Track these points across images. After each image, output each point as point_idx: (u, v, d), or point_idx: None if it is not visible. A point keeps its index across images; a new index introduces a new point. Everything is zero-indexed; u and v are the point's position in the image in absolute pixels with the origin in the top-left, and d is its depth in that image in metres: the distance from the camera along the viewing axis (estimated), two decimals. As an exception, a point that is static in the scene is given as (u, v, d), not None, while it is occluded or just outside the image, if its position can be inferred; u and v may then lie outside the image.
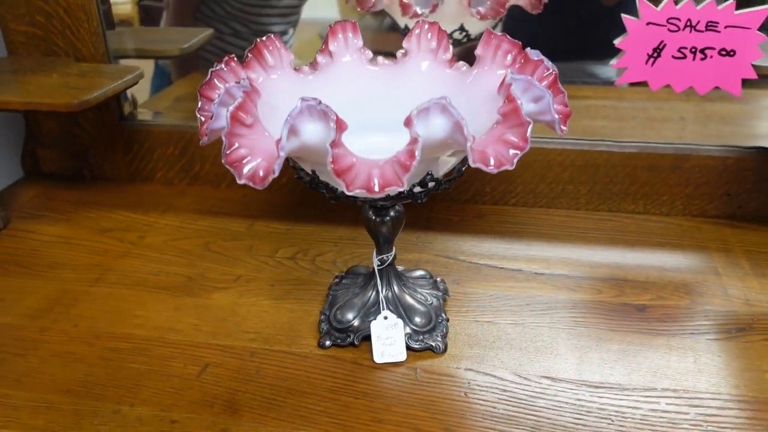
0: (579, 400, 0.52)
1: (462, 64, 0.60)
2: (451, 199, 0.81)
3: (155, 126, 0.85)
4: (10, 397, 0.53)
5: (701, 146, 0.75)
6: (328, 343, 0.58)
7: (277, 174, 0.42)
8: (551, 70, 0.50)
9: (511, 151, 0.43)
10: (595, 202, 0.79)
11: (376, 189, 0.41)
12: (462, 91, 0.57)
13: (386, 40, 0.95)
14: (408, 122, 0.42)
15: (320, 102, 0.42)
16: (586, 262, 0.69)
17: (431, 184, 0.49)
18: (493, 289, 0.65)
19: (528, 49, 0.52)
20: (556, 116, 0.46)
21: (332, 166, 0.41)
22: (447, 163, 0.51)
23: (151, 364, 0.57)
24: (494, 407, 0.52)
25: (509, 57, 0.54)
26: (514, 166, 0.43)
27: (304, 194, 0.82)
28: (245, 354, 0.57)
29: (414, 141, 0.41)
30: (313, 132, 0.42)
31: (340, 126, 0.42)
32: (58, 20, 0.80)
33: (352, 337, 0.57)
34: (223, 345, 0.59)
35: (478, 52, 0.57)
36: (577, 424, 0.50)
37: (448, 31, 0.88)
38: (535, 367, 0.55)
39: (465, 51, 0.98)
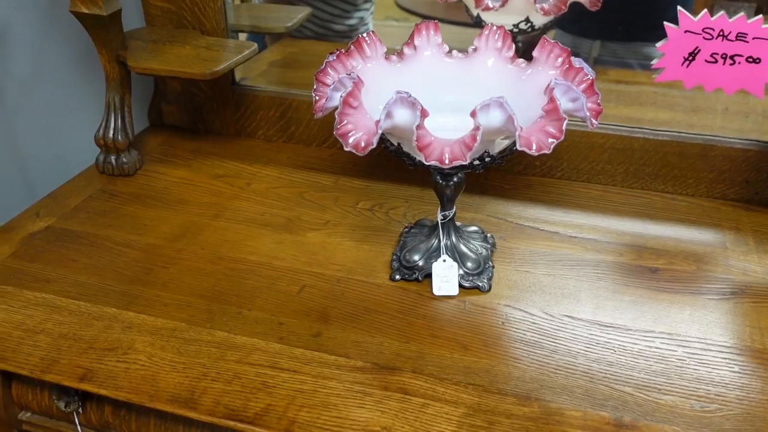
0: (591, 334, 0.67)
1: (522, 62, 0.74)
2: (505, 170, 0.95)
3: (261, 91, 1.01)
4: (161, 297, 0.72)
5: (726, 138, 0.87)
6: (398, 277, 0.74)
7: (374, 145, 0.58)
8: (589, 76, 0.63)
9: (550, 140, 0.58)
10: (630, 181, 0.91)
11: (447, 162, 0.56)
12: (519, 85, 0.71)
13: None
14: (473, 114, 0.57)
15: (410, 95, 0.57)
16: (614, 230, 0.83)
17: (488, 159, 0.64)
18: (533, 246, 0.80)
19: (573, 58, 0.65)
20: (588, 114, 0.60)
21: (416, 143, 0.56)
22: (501, 144, 0.65)
23: (262, 281, 0.74)
24: (524, 334, 0.67)
25: (559, 60, 0.68)
26: (551, 151, 0.58)
27: (380, 157, 0.97)
28: (333, 280, 0.74)
29: (476, 128, 0.56)
30: (403, 116, 0.58)
31: (424, 113, 0.57)
32: (189, -1, 0.97)
33: (417, 274, 0.73)
34: (316, 272, 0.75)
35: (534, 53, 0.71)
36: (587, 351, 0.65)
37: (515, 22, 1.01)
38: (559, 308, 0.70)
39: (530, 39, 1.10)
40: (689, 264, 0.77)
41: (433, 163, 0.57)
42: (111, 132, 0.92)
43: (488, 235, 0.80)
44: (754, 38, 0.79)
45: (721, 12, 0.78)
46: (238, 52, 0.91)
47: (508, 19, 1.00)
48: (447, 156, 0.56)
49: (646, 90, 1.06)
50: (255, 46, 0.93)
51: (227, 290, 0.73)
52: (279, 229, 0.83)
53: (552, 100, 0.58)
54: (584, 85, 0.63)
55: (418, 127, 0.56)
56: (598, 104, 0.64)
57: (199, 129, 1.07)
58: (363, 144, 0.59)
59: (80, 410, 0.71)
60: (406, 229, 0.80)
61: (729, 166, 0.87)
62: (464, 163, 0.57)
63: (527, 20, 1.00)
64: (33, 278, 0.74)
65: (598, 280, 0.75)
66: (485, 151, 0.63)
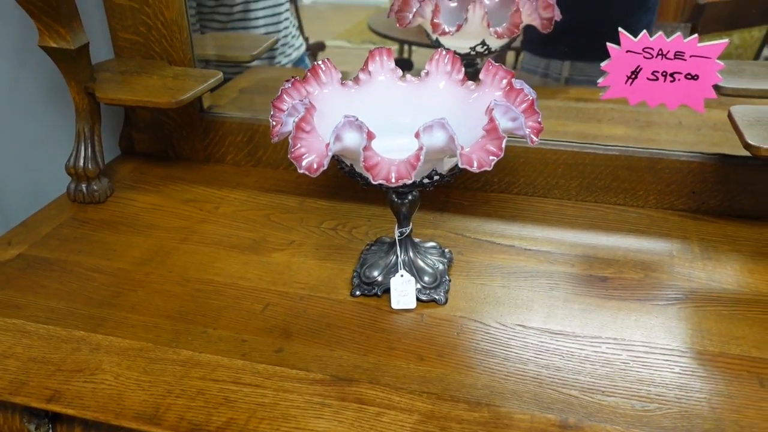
0: (542, 342, 0.70)
1: (471, 84, 0.77)
2: (464, 188, 0.99)
3: (228, 118, 1.05)
4: (129, 319, 0.74)
5: (672, 151, 0.91)
6: (358, 293, 0.77)
7: (326, 167, 0.61)
8: (529, 97, 0.67)
9: (491, 157, 0.61)
10: (584, 194, 0.95)
11: (393, 180, 0.60)
12: (467, 106, 0.75)
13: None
14: (417, 135, 0.60)
15: (357, 118, 0.60)
16: (567, 242, 0.87)
17: (436, 177, 0.67)
18: (489, 259, 0.83)
19: (513, 80, 0.69)
20: (527, 131, 0.64)
21: (363, 163, 0.60)
22: (450, 162, 0.69)
23: (227, 301, 0.77)
24: (478, 344, 0.70)
25: (503, 82, 0.72)
26: (491, 168, 0.61)
27: (345, 179, 1.00)
28: (296, 298, 0.77)
29: (420, 148, 0.59)
30: (352, 139, 0.61)
31: (370, 136, 0.60)
32: (156, 31, 1.00)
33: (376, 289, 0.76)
34: (280, 291, 0.78)
35: (480, 76, 0.74)
36: (537, 357, 0.68)
37: (471, 46, 1.06)
38: (512, 318, 0.73)
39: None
40: (637, 272, 0.81)
41: (380, 182, 0.60)
42: (81, 161, 0.95)
43: (446, 250, 0.83)
44: (691, 56, 0.83)
45: (659, 33, 0.82)
46: (203, 80, 0.94)
47: (465, 42, 1.05)
48: (393, 175, 0.60)
49: (605, 107, 1.11)
50: (220, 74, 0.97)
51: (193, 310, 0.75)
52: (245, 251, 0.86)
53: (491, 120, 0.62)
54: (524, 105, 0.67)
55: (365, 148, 0.60)
56: (539, 123, 0.67)
57: (170, 156, 1.10)
58: (315, 166, 0.62)
59: (51, 432, 0.73)
60: (367, 247, 0.84)
61: (675, 178, 0.91)
62: (410, 181, 0.60)
63: (483, 43, 1.05)
64: (3, 305, 0.76)
65: (550, 290, 0.78)
66: (433, 170, 0.66)
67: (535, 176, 0.96)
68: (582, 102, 1.16)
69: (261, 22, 1.19)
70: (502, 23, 1.00)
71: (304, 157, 0.63)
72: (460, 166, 0.60)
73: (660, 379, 0.65)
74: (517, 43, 1.18)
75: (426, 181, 0.68)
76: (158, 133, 1.09)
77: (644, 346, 0.69)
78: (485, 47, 1.05)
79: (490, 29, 1.00)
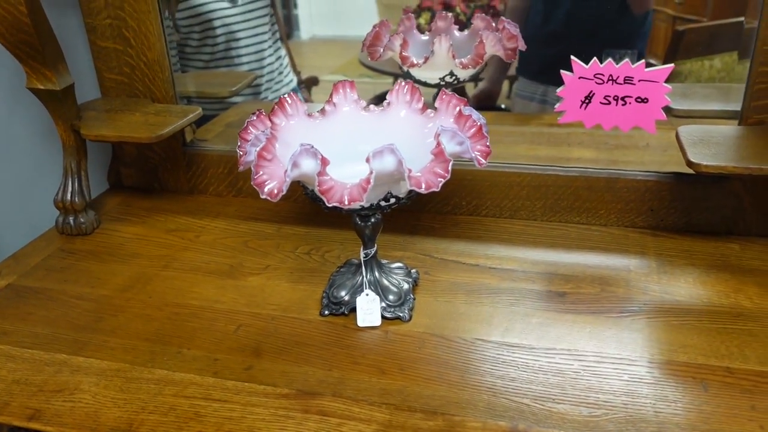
0: (499, 354, 0.74)
1: (430, 112, 0.82)
2: (435, 211, 1.03)
3: (209, 151, 1.10)
4: (108, 342, 0.78)
5: (628, 171, 0.95)
6: (326, 312, 0.81)
7: (284, 191, 0.66)
8: (478, 123, 0.72)
9: (438, 179, 0.66)
10: (548, 215, 0.99)
11: (346, 203, 0.64)
12: (426, 132, 0.79)
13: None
14: (367, 159, 0.65)
15: (312, 146, 0.65)
16: (530, 260, 0.90)
17: (392, 200, 0.72)
18: (454, 278, 0.87)
19: (463, 107, 0.74)
20: (474, 154, 0.68)
21: (318, 187, 0.64)
22: (406, 185, 0.73)
23: (202, 323, 0.81)
24: (438, 357, 0.74)
25: (456, 110, 0.76)
26: (439, 189, 0.66)
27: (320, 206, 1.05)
28: (268, 318, 0.81)
29: (371, 172, 0.64)
30: (309, 165, 0.66)
31: (324, 162, 0.65)
32: (140, 71, 1.06)
33: (343, 308, 0.80)
34: (254, 312, 0.82)
35: (436, 104, 0.79)
36: (493, 369, 0.71)
37: (439, 77, 1.11)
38: (472, 332, 0.77)
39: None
40: (594, 287, 0.84)
41: (334, 204, 0.64)
42: (69, 195, 1.00)
43: (412, 270, 0.87)
44: (639, 80, 0.88)
45: (608, 59, 0.87)
46: (183, 116, 0.99)
47: (434, 73, 1.10)
48: (346, 198, 0.64)
49: (576, 131, 1.15)
50: (199, 110, 1.02)
51: (170, 332, 0.79)
52: (222, 276, 0.90)
53: (438, 144, 0.66)
54: (473, 130, 0.71)
55: (320, 173, 0.64)
56: (487, 146, 0.72)
57: (155, 188, 1.15)
58: (276, 191, 0.66)
59: (35, 452, 0.76)
60: (337, 269, 0.88)
61: (633, 197, 0.95)
62: (362, 203, 0.64)
63: (451, 74, 1.10)
64: (-9, 332, 0.81)
65: (510, 305, 0.82)
66: (388, 192, 0.71)
67: (501, 198, 1.00)
68: (555, 127, 1.21)
69: (244, 59, 1.25)
70: (466, 54, 1.05)
71: (266, 183, 0.67)
72: (408, 187, 0.65)
73: (608, 387, 0.68)
74: (511, 71, 1.24)
75: (383, 203, 0.72)
76: (144, 167, 1.14)
77: (596, 356, 0.73)
78: (453, 77, 1.11)
79: (456, 60, 1.06)
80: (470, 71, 1.10)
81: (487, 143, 0.72)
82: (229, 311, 0.83)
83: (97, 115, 1.02)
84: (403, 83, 0.84)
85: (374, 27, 1.09)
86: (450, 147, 0.68)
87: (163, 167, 1.13)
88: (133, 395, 0.70)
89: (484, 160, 0.70)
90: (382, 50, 1.09)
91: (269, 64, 1.30)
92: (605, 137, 1.14)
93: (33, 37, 0.87)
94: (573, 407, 0.66)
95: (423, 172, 0.66)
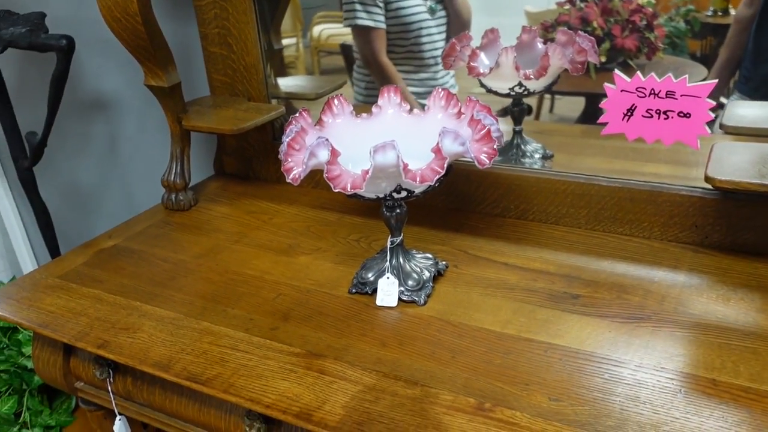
0: (494, 341, 0.79)
1: (465, 116, 0.89)
2: (485, 212, 1.09)
3: (294, 145, 1.24)
4: (173, 296, 0.93)
5: (672, 185, 0.95)
6: (353, 290, 0.91)
7: (302, 177, 0.76)
8: (487, 127, 0.78)
9: (434, 174, 0.73)
10: (592, 223, 1.02)
11: (348, 189, 0.74)
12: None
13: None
14: (370, 153, 0.73)
15: (326, 139, 0.75)
16: (557, 263, 0.94)
17: (403, 193, 0.80)
18: (480, 273, 0.93)
19: (477, 112, 0.80)
20: (473, 155, 0.75)
21: (326, 174, 0.74)
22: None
23: (250, 289, 0.94)
24: (438, 337, 0.80)
25: (475, 114, 0.83)
26: (434, 182, 0.73)
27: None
28: (304, 291, 0.92)
29: (371, 165, 0.73)
30: (322, 155, 0.76)
31: (334, 153, 0.75)
32: (240, 73, 1.22)
33: (367, 288, 0.90)
34: (294, 284, 0.94)
35: (463, 109, 0.86)
36: (483, 354, 0.77)
37: (509, 87, 1.17)
38: (477, 322, 0.83)
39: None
40: (611, 293, 0.86)
41: (338, 190, 0.74)
42: (172, 176, 1.18)
43: (441, 262, 0.94)
44: (681, 95, 0.88)
45: (651, 73, 0.89)
46: (266, 113, 1.14)
47: (503, 84, 1.16)
48: (349, 185, 0.74)
49: (659, 148, 1.15)
50: (282, 108, 1.16)
51: (222, 294, 0.93)
52: (279, 253, 1.03)
53: (438, 143, 0.74)
54: (481, 133, 0.78)
55: (329, 162, 0.74)
56: (494, 149, 0.78)
57: (250, 176, 1.31)
58: (298, 177, 0.78)
59: (111, 379, 0.93)
60: (374, 254, 0.97)
61: (677, 211, 0.95)
62: (361, 190, 0.74)
63: (520, 84, 1.15)
64: (91, 279, 0.99)
65: (521, 302, 0.86)
66: (398, 185, 0.79)
67: (547, 204, 1.04)
68: (640, 142, 1.21)
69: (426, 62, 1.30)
70: (531, 67, 1.10)
71: (292, 169, 0.79)
72: (404, 179, 0.73)
73: (585, 383, 0.72)
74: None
75: (396, 195, 0.81)
76: (241, 157, 1.30)
77: (586, 354, 0.76)
78: (523, 88, 1.15)
79: (520, 72, 1.11)
80: (540, 82, 1.14)
81: (494, 146, 0.78)
82: (275, 282, 0.95)
83: (200, 109, 1.19)
84: (440, 90, 0.92)
85: (452, 40, 1.17)
86: (453, 147, 0.75)
87: (257, 158, 1.29)
88: (178, 339, 0.84)
89: (487, 161, 0.77)
90: (453, 60, 1.17)
91: (441, 71, 1.34)
92: (688, 154, 1.12)
93: (147, 42, 1.05)
94: (544, 395, 0.70)
95: (424, 167, 0.74)
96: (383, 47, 1.22)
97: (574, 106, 1.25)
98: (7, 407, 1.27)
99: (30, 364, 1.33)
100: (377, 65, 1.23)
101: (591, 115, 1.24)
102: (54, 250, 1.54)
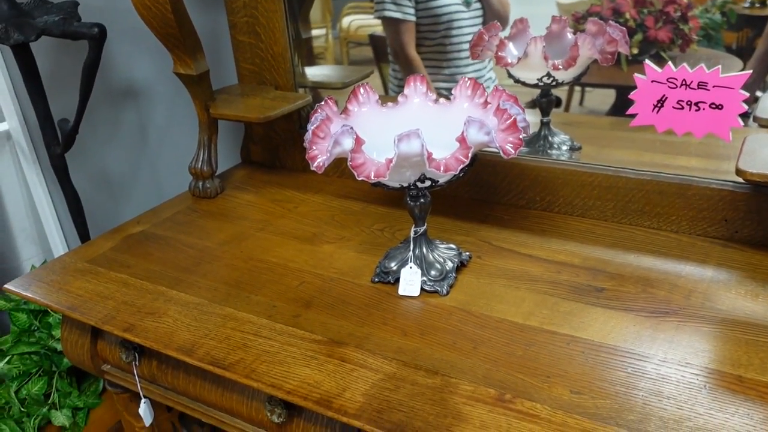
0: (515, 333, 0.78)
1: (491, 106, 0.89)
2: (510, 204, 1.08)
3: (320, 135, 1.24)
4: (198, 282, 0.95)
5: (701, 179, 0.93)
6: (376, 279, 0.91)
7: (326, 165, 0.77)
8: (513, 117, 0.77)
9: (458, 164, 0.73)
10: (619, 216, 1.00)
11: (372, 177, 0.74)
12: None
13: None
14: (395, 141, 0.73)
15: (351, 128, 0.75)
16: (583, 256, 0.93)
17: (427, 182, 0.80)
18: (503, 264, 0.93)
19: (503, 101, 0.79)
20: (498, 145, 0.74)
21: (350, 162, 0.74)
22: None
23: (273, 277, 0.94)
24: (460, 328, 0.80)
25: (502, 103, 0.82)
26: (458, 172, 0.73)
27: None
28: (327, 279, 0.93)
29: (395, 154, 0.73)
30: (347, 143, 0.76)
31: (359, 141, 0.75)
32: (267, 62, 1.23)
33: (390, 278, 0.90)
34: (317, 273, 0.94)
35: (489, 99, 0.86)
36: (505, 345, 0.77)
37: (537, 77, 1.15)
38: (499, 313, 0.82)
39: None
40: (636, 287, 0.85)
41: (362, 178, 0.74)
42: (200, 163, 1.20)
43: (465, 252, 0.93)
44: (714, 86, 0.87)
45: (683, 64, 0.87)
46: (292, 102, 1.14)
47: (531, 74, 1.15)
48: (372, 173, 0.74)
49: (690, 141, 1.13)
50: (309, 97, 1.17)
51: (246, 281, 0.94)
52: (303, 241, 1.03)
53: (462, 133, 0.73)
54: (507, 122, 0.77)
55: (353, 150, 0.74)
56: (519, 139, 0.77)
57: (276, 165, 1.32)
58: (322, 165, 0.78)
59: (136, 362, 0.95)
60: (398, 244, 0.97)
61: (706, 205, 0.93)
62: (385, 179, 0.73)
63: (549, 75, 1.14)
64: (119, 264, 1.01)
65: (545, 293, 0.85)
66: (422, 174, 0.79)
67: (573, 197, 1.03)
68: (670, 135, 1.19)
69: (470, 60, 1.29)
70: (560, 57, 1.08)
71: (317, 157, 0.79)
72: (428, 168, 0.73)
73: (608, 376, 0.71)
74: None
75: (420, 184, 0.80)
76: (268, 146, 1.31)
77: (609, 348, 0.75)
78: (551, 78, 1.14)
79: (549, 62, 1.09)
80: (569, 73, 1.13)
81: (520, 136, 0.77)
82: (298, 270, 0.96)
83: (227, 97, 1.20)
84: (467, 80, 0.91)
85: (480, 29, 1.16)
86: (478, 136, 0.75)
87: (283, 147, 1.29)
88: (202, 324, 0.85)
89: (513, 151, 0.76)
90: (481, 50, 1.16)
91: (473, 65, 1.31)
92: (719, 147, 1.10)
93: (176, 30, 1.06)
94: (565, 388, 0.69)
95: (448, 156, 0.74)
96: (411, 40, 1.22)
97: (605, 98, 1.23)
98: (37, 388, 1.30)
99: (59, 347, 1.35)
100: (404, 58, 1.23)
101: (621, 107, 1.21)
102: (84, 236, 1.56)
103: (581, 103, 1.22)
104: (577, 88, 1.19)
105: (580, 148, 1.16)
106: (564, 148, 1.16)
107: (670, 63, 0.87)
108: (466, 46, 1.23)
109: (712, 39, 1.06)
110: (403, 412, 0.68)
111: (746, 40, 1.03)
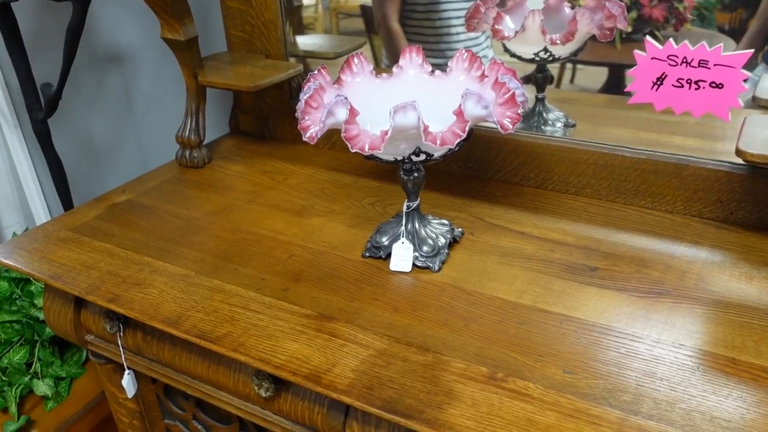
0: (508, 311, 0.77)
1: (486, 79, 0.87)
2: (503, 180, 1.07)
3: (311, 105, 1.21)
4: (185, 253, 0.92)
5: (698, 159, 0.92)
6: (367, 254, 0.89)
7: (319, 136, 0.74)
8: (510, 91, 0.75)
9: (455, 138, 0.71)
10: (613, 195, 0.99)
11: (366, 149, 0.72)
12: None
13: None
14: (391, 113, 0.71)
15: (345, 98, 0.73)
16: (576, 234, 0.92)
17: (422, 156, 0.78)
18: (496, 241, 0.91)
19: (501, 75, 0.78)
20: (496, 119, 0.72)
21: (344, 134, 0.72)
22: (439, 143, 0.78)
23: (262, 249, 0.92)
24: (452, 305, 0.79)
25: (500, 77, 0.80)
26: (455, 146, 0.71)
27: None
28: (317, 252, 0.91)
29: (390, 126, 0.71)
30: (341, 114, 0.74)
31: (353, 112, 0.72)
32: (258, 29, 1.20)
33: (381, 252, 0.88)
34: (306, 246, 0.93)
35: (486, 72, 0.83)
36: (497, 323, 0.76)
37: (533, 52, 1.13)
38: (491, 290, 0.81)
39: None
40: (630, 267, 0.84)
41: (356, 150, 0.72)
42: (187, 132, 1.17)
43: (457, 228, 0.92)
44: (715, 65, 0.85)
45: (684, 41, 0.86)
46: (284, 71, 1.11)
47: (528, 48, 1.12)
48: (366, 146, 0.72)
49: (688, 120, 1.12)
50: (300, 66, 1.14)
51: (234, 253, 0.92)
52: (292, 214, 1.01)
53: (459, 105, 0.71)
54: (505, 96, 0.75)
55: (347, 122, 0.72)
56: (518, 114, 0.75)
57: (266, 135, 1.29)
58: (314, 135, 0.76)
59: (120, 333, 0.93)
60: (389, 219, 0.95)
61: (702, 186, 0.92)
62: (379, 152, 0.72)
63: (545, 50, 1.12)
64: (103, 233, 0.99)
65: (537, 272, 0.84)
66: (417, 147, 0.77)
67: (568, 174, 1.01)
68: (667, 114, 1.18)
69: (461, 36, 1.24)
70: (558, 31, 1.06)
71: (309, 128, 0.77)
72: (424, 141, 0.71)
73: (601, 356, 0.70)
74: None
75: (414, 158, 0.79)
76: (257, 116, 1.28)
77: (602, 328, 0.74)
78: (548, 53, 1.12)
79: (546, 36, 1.07)
80: (566, 48, 1.11)
81: (518, 111, 0.75)
82: (287, 242, 0.94)
83: (216, 65, 1.17)
84: (464, 52, 0.89)
85: (477, 1, 1.13)
86: (475, 110, 0.73)
87: (273, 117, 1.26)
88: (188, 296, 0.83)
89: (510, 127, 0.74)
90: (477, 23, 1.13)
91: (479, 44, 1.27)
92: (714, 127, 1.09)
93: (164, -8, 1.03)
94: (558, 367, 0.69)
95: (444, 130, 0.72)
96: (394, 12, 1.18)
97: (596, 76, 1.21)
98: (19, 357, 1.28)
99: (41, 316, 1.33)
100: (385, 29, 1.20)
101: (614, 85, 1.20)
102: (67, 203, 1.53)
103: (572, 80, 1.20)
104: (569, 66, 1.17)
105: (574, 126, 1.14)
106: (558, 125, 1.14)
107: (671, 40, 0.86)
108: (456, 21, 1.20)
109: (705, 19, 1.04)
110: (394, 389, 0.67)
111: (739, 21, 1.02)
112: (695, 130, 1.07)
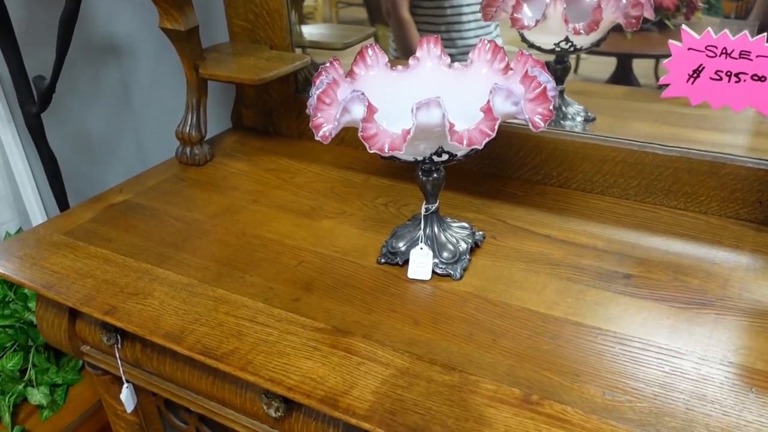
0: (538, 324, 0.72)
1: (511, 72, 0.80)
2: (524, 179, 1.01)
3: (318, 99, 1.15)
4: (187, 259, 0.86)
5: (736, 157, 0.86)
6: (382, 260, 0.83)
7: (333, 135, 0.68)
8: (543, 85, 0.69)
9: (483, 137, 0.65)
10: (642, 195, 0.93)
11: (386, 150, 0.65)
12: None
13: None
14: (413, 110, 0.65)
15: (363, 93, 0.67)
16: (605, 238, 0.86)
17: (444, 156, 0.72)
18: (520, 246, 0.85)
19: (531, 68, 0.71)
20: (527, 116, 0.66)
21: (362, 133, 0.66)
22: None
23: (269, 255, 0.86)
24: (476, 317, 0.73)
25: (530, 70, 0.74)
26: (482, 147, 0.65)
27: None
28: (328, 258, 0.85)
29: (413, 124, 0.64)
30: (357, 111, 0.67)
31: (371, 109, 0.66)
32: (262, 18, 1.13)
33: (398, 259, 0.82)
34: (317, 251, 0.86)
35: (512, 65, 0.77)
36: (527, 338, 0.70)
37: (554, 42, 1.07)
38: (519, 301, 0.75)
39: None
40: (666, 274, 0.78)
41: (375, 151, 0.66)
42: (187, 128, 1.10)
43: (478, 232, 0.86)
44: (757, 56, 0.79)
45: (724, 30, 0.79)
46: (290, 63, 1.05)
47: (549, 38, 1.06)
48: (387, 146, 0.65)
49: (709, 114, 1.06)
50: (307, 58, 1.07)
51: (239, 259, 0.86)
52: (300, 215, 0.95)
53: (488, 102, 0.65)
54: (536, 92, 0.69)
55: (364, 120, 0.66)
56: (550, 110, 0.69)
57: (270, 131, 1.23)
58: (328, 134, 0.69)
59: (118, 345, 0.87)
60: (405, 222, 0.89)
61: (740, 185, 0.86)
62: (401, 152, 0.65)
63: (567, 40, 1.05)
64: (99, 237, 0.92)
65: (567, 280, 0.78)
66: (440, 147, 0.71)
67: (594, 173, 0.95)
68: (686, 107, 1.12)
69: (472, 25, 1.19)
70: (582, 20, 1.00)
71: (322, 126, 0.70)
72: (449, 141, 0.64)
73: (643, 375, 0.64)
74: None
75: (436, 158, 0.72)
76: (261, 110, 1.22)
77: (641, 342, 0.68)
78: (569, 44, 1.06)
79: (569, 26, 1.01)
80: (589, 38, 1.04)
81: (550, 107, 0.69)
82: (296, 247, 0.88)
83: (219, 56, 1.10)
84: (486, 42, 0.82)
85: (492, -13, 1.07)
86: (505, 106, 0.66)
87: (277, 111, 1.20)
88: (191, 308, 0.77)
89: (542, 124, 0.68)
90: (495, 11, 1.07)
91: (489, 33, 1.20)
92: (738, 121, 1.03)
93: (162, -21, 0.96)
94: (597, 388, 0.63)
95: (471, 128, 0.66)
96: (405, 0, 1.12)
97: (601, 66, 1.15)
98: (12, 364, 1.22)
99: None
100: (396, 19, 1.13)
101: (622, 77, 1.14)
102: (62, 201, 1.47)
103: (576, 70, 1.14)
104: (572, 56, 1.11)
105: (594, 119, 1.08)
106: (578, 119, 1.08)
107: (709, 29, 0.79)
108: (467, 9, 1.13)
109: (713, 8, 0.99)
110: (420, 414, 0.61)
111: (744, 11, 0.97)
112: (718, 124, 1.01)
